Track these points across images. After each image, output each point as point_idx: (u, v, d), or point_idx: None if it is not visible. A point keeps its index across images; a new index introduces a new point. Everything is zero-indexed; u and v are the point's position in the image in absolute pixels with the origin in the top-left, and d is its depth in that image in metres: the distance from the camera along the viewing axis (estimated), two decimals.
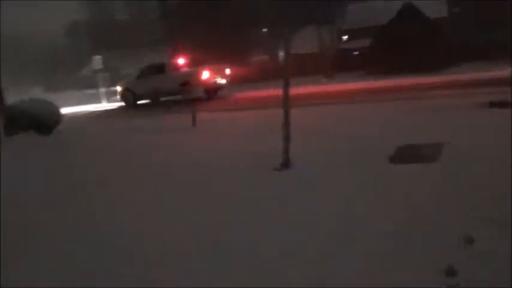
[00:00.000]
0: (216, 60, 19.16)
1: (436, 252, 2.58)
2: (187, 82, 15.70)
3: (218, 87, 17.71)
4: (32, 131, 10.23)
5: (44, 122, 11.00)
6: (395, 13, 22.53)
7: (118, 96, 19.80)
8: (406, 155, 5.12)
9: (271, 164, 4.96)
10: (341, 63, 24.32)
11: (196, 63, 17.86)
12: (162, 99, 17.92)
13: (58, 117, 11.67)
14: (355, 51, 25.22)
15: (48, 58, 40.32)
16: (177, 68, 18.16)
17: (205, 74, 16.77)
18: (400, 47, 20.30)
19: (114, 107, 19.88)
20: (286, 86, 5.17)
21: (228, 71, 18.24)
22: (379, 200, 3.63)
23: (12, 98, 13.36)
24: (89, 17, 38.82)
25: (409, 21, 21.21)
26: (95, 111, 19.24)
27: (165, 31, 32.00)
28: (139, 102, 18.55)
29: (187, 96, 13.74)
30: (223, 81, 17.68)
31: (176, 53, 22.70)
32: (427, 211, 3.28)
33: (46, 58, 39.87)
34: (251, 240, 3.08)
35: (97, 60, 25.16)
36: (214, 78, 17.04)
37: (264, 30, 30.90)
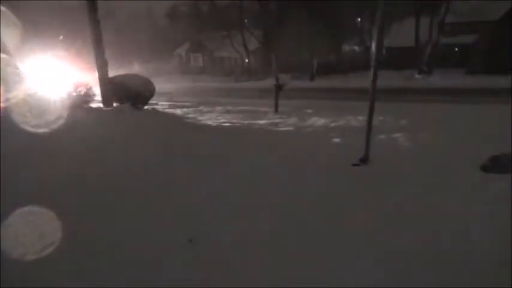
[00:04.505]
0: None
1: None
2: None
3: None
4: (128, 103, 11.06)
5: (140, 95, 11.84)
6: (504, 11, 20.42)
7: None
8: (501, 164, 4.65)
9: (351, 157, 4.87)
10: (439, 59, 22.70)
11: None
12: None
13: (152, 92, 12.48)
14: (457, 46, 23.31)
15: (149, 37, 43.07)
16: None
17: None
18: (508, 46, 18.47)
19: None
20: (374, 80, 4.91)
21: None
22: (463, 211, 3.37)
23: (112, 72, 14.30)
24: None
25: None
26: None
27: (261, 15, 32.08)
28: None
29: None
30: None
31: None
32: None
33: (146, 37, 42.61)
34: None
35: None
36: None
37: (358, 19, 29.80)
